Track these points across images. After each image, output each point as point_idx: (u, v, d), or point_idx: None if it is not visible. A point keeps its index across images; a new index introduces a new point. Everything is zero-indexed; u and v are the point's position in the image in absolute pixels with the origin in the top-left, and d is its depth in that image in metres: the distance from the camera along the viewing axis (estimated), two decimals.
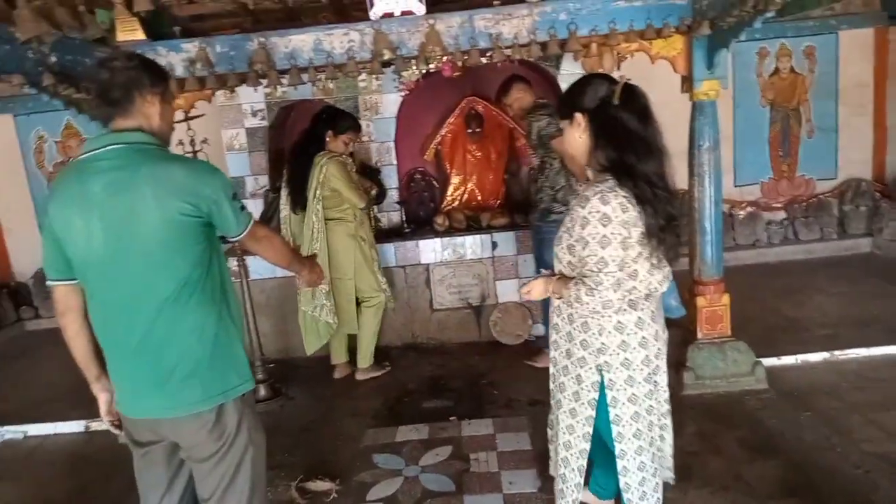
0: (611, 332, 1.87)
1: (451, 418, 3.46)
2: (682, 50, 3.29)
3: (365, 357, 4.06)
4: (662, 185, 1.80)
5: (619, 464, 1.97)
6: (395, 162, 4.79)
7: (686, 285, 3.66)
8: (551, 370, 2.10)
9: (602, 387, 1.92)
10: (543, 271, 2.06)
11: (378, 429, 3.42)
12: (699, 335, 3.51)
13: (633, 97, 1.82)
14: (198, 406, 1.71)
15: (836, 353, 3.77)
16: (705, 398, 3.40)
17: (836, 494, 2.54)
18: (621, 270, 1.77)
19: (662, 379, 2.03)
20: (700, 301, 3.47)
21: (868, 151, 6.03)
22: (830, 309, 4.50)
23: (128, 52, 2.05)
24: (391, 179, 4.80)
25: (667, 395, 2.07)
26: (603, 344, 1.88)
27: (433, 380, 4.06)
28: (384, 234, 4.68)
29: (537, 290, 1.98)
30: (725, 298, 3.49)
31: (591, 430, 1.96)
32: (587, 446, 1.99)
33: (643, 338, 1.89)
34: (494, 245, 4.51)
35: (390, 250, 4.50)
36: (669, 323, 2.11)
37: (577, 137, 1.88)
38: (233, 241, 1.85)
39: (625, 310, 1.85)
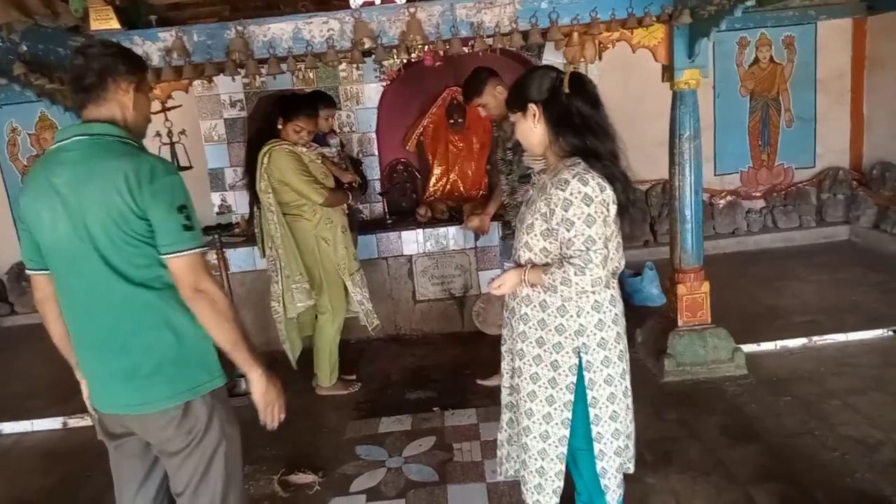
0: (589, 311, 1.88)
1: (434, 409, 3.46)
2: (662, 39, 3.29)
3: (325, 375, 3.71)
4: (619, 166, 1.89)
5: (596, 447, 1.95)
6: (376, 152, 4.77)
7: (666, 273, 3.70)
8: (516, 364, 2.02)
9: (580, 369, 1.91)
10: (507, 264, 2.05)
11: (361, 420, 3.41)
12: (680, 322, 3.54)
13: (582, 85, 1.89)
14: (164, 403, 1.68)
15: (815, 339, 3.83)
16: (686, 385, 3.44)
17: (813, 478, 2.58)
18: (606, 247, 1.81)
19: (627, 361, 2.04)
20: (680, 289, 3.50)
21: (846, 140, 6.10)
22: (809, 296, 4.55)
23: (105, 40, 1.99)
24: (373, 170, 4.78)
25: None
26: (581, 325, 1.88)
27: (416, 371, 4.05)
28: (366, 226, 4.65)
29: (510, 282, 1.96)
30: (705, 286, 3.52)
31: (570, 415, 1.94)
32: (566, 432, 1.96)
33: (616, 314, 1.93)
34: (477, 235, 4.50)
35: (372, 242, 4.47)
36: (650, 311, 2.12)
37: (531, 128, 1.92)
38: (164, 256, 1.62)
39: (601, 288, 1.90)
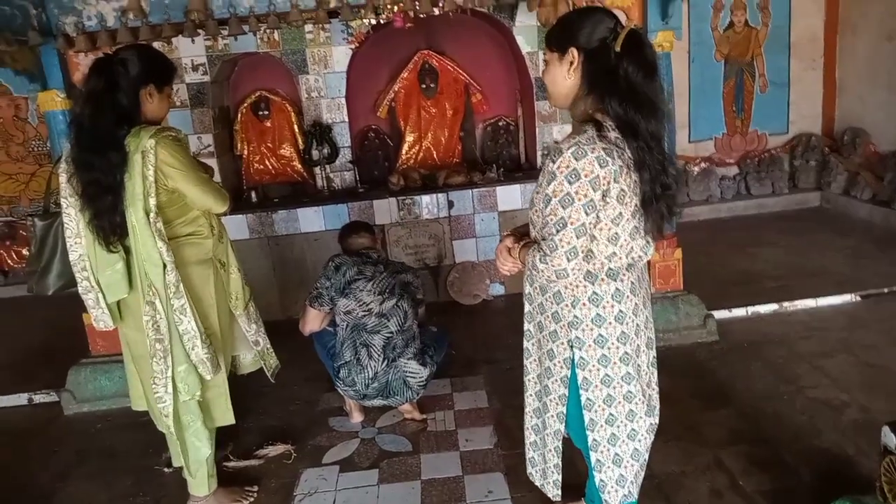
0: (585, 304, 1.69)
1: None
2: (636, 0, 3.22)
3: (199, 483, 2.46)
4: (659, 150, 1.60)
5: (593, 457, 1.79)
6: (346, 119, 4.64)
7: None
8: (525, 344, 1.92)
9: (573, 365, 1.75)
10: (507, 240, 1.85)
11: (334, 392, 3.36)
12: (652, 290, 3.54)
13: (640, 47, 1.58)
14: None
15: (785, 304, 3.87)
16: (658, 351, 3.41)
17: (782, 440, 2.61)
18: (579, 238, 1.56)
19: (644, 361, 1.83)
20: (653, 256, 3.49)
21: (818, 106, 6.12)
22: (780, 261, 4.60)
23: None
24: (343, 137, 4.66)
25: (653, 384, 1.89)
26: (575, 317, 1.70)
27: None
28: (337, 195, 4.56)
29: (508, 262, 1.79)
30: (678, 253, 3.51)
31: (564, 409, 1.82)
32: (562, 427, 1.85)
33: (620, 311, 1.70)
34: (451, 204, 4.44)
35: (343, 211, 4.38)
36: None
37: (563, 76, 1.65)
38: None
39: (602, 280, 1.67)
